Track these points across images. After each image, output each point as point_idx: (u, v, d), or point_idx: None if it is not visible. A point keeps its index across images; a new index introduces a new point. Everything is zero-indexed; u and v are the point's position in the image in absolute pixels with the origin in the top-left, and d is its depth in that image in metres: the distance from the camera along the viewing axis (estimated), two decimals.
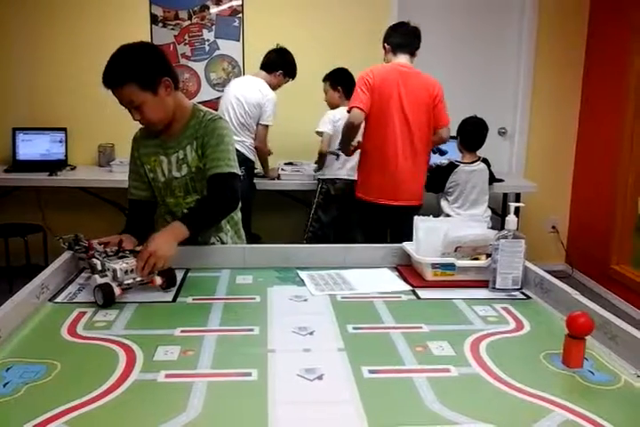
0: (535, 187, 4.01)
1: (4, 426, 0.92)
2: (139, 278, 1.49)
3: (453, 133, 3.46)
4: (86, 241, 1.62)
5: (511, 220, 1.52)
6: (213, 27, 4.20)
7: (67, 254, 1.68)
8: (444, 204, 3.54)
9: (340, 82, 3.63)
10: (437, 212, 3.55)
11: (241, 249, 1.80)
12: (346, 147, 3.12)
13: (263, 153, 3.71)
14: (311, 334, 1.29)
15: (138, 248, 1.61)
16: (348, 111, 3.00)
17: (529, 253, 1.55)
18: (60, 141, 4.11)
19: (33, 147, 4.09)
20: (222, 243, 1.92)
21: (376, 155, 3.05)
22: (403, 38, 3.05)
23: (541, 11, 4.30)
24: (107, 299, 1.41)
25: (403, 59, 3.04)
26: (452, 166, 3.49)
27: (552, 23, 4.31)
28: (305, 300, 1.51)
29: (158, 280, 1.52)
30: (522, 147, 4.52)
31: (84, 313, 1.38)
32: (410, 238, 1.75)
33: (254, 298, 1.51)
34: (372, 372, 1.10)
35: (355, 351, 1.20)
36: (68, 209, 4.22)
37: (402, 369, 1.12)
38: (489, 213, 3.61)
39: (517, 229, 1.52)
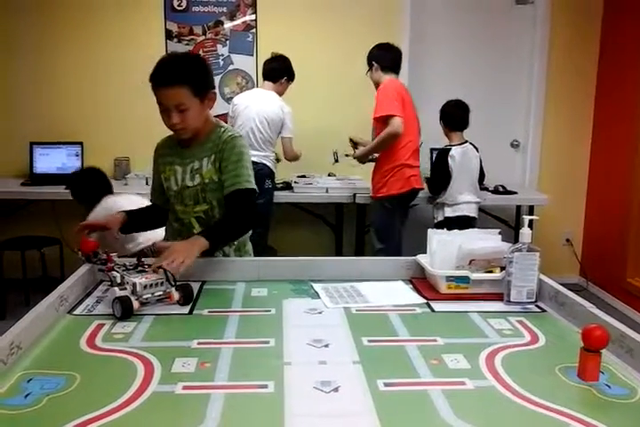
0: (549, 199, 4.01)
1: None
2: (157, 293, 1.51)
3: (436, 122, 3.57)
4: (105, 253, 1.64)
5: (525, 232, 1.52)
6: (227, 42, 4.26)
7: (85, 267, 1.70)
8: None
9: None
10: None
11: (255, 262, 1.82)
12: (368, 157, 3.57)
13: (295, 159, 3.82)
14: (326, 346, 1.29)
15: (148, 260, 1.63)
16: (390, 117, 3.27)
17: (543, 266, 1.55)
18: (77, 155, 4.16)
19: (50, 160, 4.14)
20: (224, 255, 1.93)
21: (409, 153, 3.42)
22: (393, 62, 3.52)
23: (554, 21, 4.31)
24: (125, 312, 1.43)
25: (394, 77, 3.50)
26: (445, 151, 3.47)
27: (565, 34, 4.33)
28: (320, 312, 1.51)
29: (176, 296, 1.53)
30: (535, 159, 4.51)
31: (103, 325, 1.40)
32: None
33: (270, 310, 1.52)
34: (387, 385, 1.11)
35: (370, 364, 1.20)
36: None
37: (417, 382, 1.13)
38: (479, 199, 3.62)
39: (531, 241, 1.53)
